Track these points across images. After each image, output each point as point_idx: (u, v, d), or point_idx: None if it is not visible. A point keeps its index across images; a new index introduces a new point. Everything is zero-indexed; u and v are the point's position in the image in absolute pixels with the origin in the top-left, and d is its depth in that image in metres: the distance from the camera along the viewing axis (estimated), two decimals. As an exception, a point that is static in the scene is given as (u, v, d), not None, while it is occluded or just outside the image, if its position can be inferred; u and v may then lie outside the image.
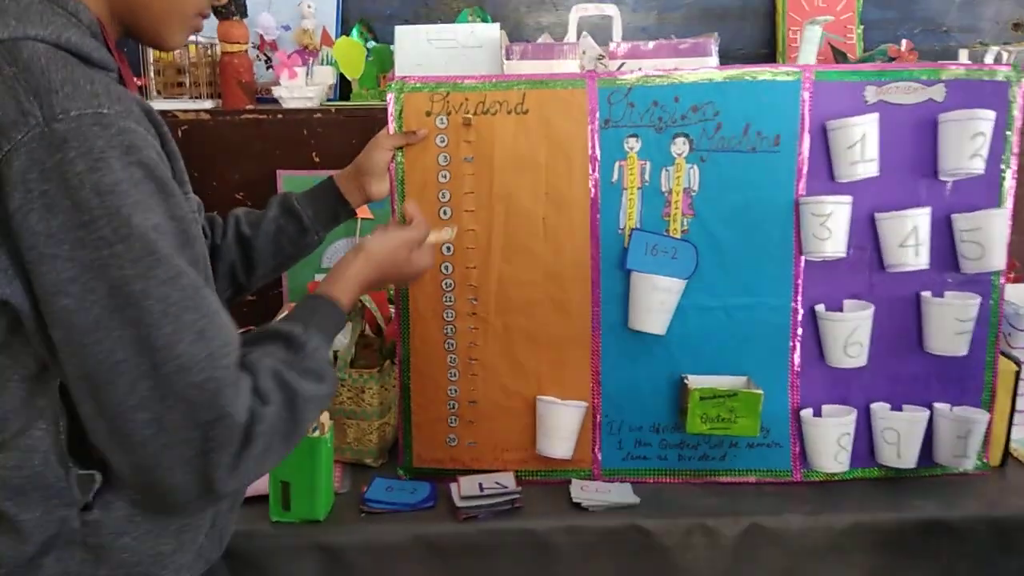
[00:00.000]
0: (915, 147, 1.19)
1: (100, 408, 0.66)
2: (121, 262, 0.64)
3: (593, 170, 1.23)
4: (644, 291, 1.20)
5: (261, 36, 1.85)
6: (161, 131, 0.76)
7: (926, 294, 1.20)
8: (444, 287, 1.27)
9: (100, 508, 0.75)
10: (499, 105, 1.23)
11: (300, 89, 1.75)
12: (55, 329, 0.66)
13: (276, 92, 1.75)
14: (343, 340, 1.38)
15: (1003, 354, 1.25)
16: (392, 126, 1.24)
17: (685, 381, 1.21)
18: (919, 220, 1.15)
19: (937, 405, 1.23)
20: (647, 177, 1.22)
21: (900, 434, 1.20)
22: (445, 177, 1.24)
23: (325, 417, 1.19)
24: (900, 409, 1.24)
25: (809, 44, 1.44)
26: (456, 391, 1.29)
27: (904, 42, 2.03)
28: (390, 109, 1.24)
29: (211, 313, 0.68)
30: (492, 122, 1.23)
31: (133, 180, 0.66)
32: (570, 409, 1.24)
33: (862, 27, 2.13)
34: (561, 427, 1.24)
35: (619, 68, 1.25)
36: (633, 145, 1.22)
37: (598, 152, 1.22)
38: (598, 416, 1.27)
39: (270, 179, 1.71)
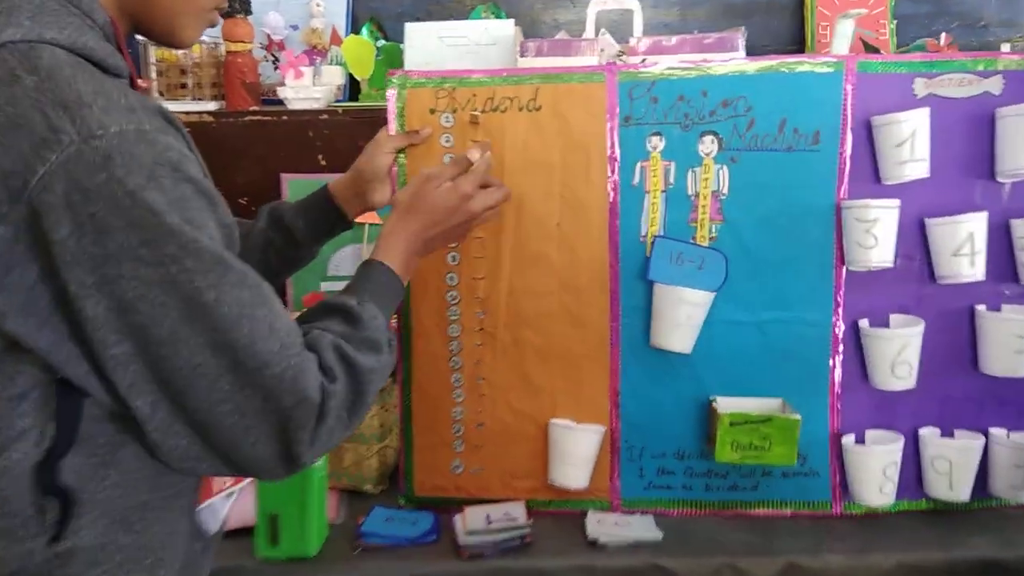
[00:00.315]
0: (969, 145, 1.08)
1: (177, 409, 0.66)
2: (191, 275, 0.63)
3: (612, 171, 1.12)
4: (668, 305, 1.09)
5: (269, 36, 1.79)
6: (188, 140, 0.73)
7: (981, 308, 1.08)
8: (449, 299, 1.16)
9: (71, 537, 0.67)
10: (509, 101, 1.12)
11: (306, 90, 1.69)
12: (118, 346, 0.64)
13: (281, 93, 1.68)
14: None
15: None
16: (393, 125, 1.14)
17: (713, 404, 1.10)
18: (975, 226, 1.04)
19: (993, 431, 1.11)
20: (672, 179, 1.12)
21: (952, 463, 1.08)
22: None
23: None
24: (951, 435, 1.12)
25: (841, 39, 1.37)
26: (461, 413, 1.18)
27: (943, 36, 1.91)
28: (390, 107, 1.14)
29: (274, 306, 0.69)
30: (502, 120, 1.13)
31: (185, 197, 0.65)
32: (586, 434, 1.13)
33: (895, 22, 2.03)
34: (576, 453, 1.13)
35: (642, 62, 1.14)
36: (656, 144, 1.11)
37: (618, 152, 1.12)
38: (617, 441, 1.16)
39: (274, 183, 1.64)
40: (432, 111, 1.14)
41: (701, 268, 1.11)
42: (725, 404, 1.11)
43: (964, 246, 1.03)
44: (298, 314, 0.81)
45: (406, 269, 0.92)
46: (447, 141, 1.14)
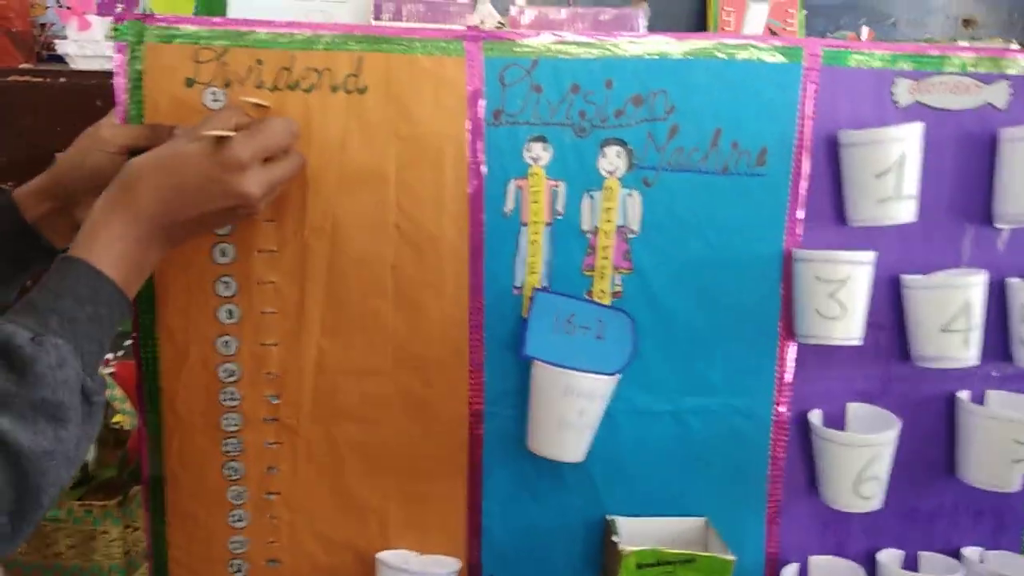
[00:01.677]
0: (960, 176, 0.79)
1: None
2: None
3: (475, 192, 0.75)
4: (551, 395, 0.74)
5: None
6: None
7: (964, 398, 0.81)
8: (222, 375, 0.76)
9: None
10: (317, 76, 0.73)
11: (95, 45, 1.35)
12: None
13: (61, 48, 1.33)
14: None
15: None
16: (123, 107, 0.72)
17: (613, 537, 0.77)
18: (973, 293, 0.75)
19: (966, 552, 0.84)
20: (561, 207, 0.76)
21: (923, 605, 0.81)
22: (224, 194, 0.74)
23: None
24: (915, 559, 0.85)
25: (752, 25, 1.20)
26: (245, 545, 0.79)
27: (865, 30, 1.70)
28: (118, 75, 0.72)
29: None
30: (306, 104, 0.73)
31: None
32: (430, 580, 0.77)
33: (804, 12, 1.81)
34: (415, 605, 0.77)
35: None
36: (540, 155, 0.76)
37: (483, 162, 0.75)
38: (476, 580, 0.81)
39: (47, 166, 1.30)
40: (190, 83, 0.72)
41: (600, 337, 0.77)
42: (629, 530, 0.78)
43: (958, 319, 0.75)
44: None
45: (129, 271, 0.60)
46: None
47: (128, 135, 0.70)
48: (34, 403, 0.52)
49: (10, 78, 1.37)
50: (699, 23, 1.82)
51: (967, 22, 2.16)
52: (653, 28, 1.70)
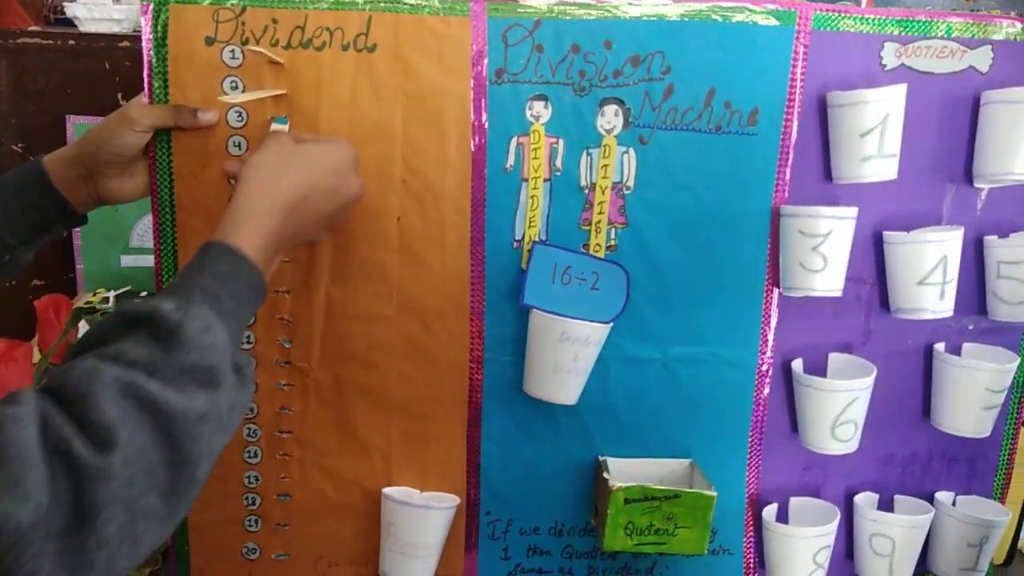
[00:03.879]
0: (942, 137, 0.82)
1: None
2: None
3: (477, 148, 0.79)
4: (548, 341, 0.78)
5: None
6: None
7: (940, 348, 0.85)
8: (239, 321, 0.81)
9: None
10: (329, 34, 0.76)
11: (104, 8, 1.44)
12: None
13: (71, 11, 1.42)
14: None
15: None
16: (149, 54, 0.76)
17: (604, 474, 0.82)
18: (949, 248, 0.79)
19: (939, 496, 0.89)
20: (559, 163, 0.80)
21: (895, 544, 0.86)
22: (240, 148, 0.78)
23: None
24: (891, 501, 0.90)
25: None
26: (258, 479, 0.84)
27: (865, -2, 1.71)
28: (145, 34, 0.75)
29: None
30: (317, 62, 0.76)
31: None
32: (433, 514, 0.82)
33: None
34: (419, 537, 0.82)
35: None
36: (540, 112, 0.79)
37: (485, 120, 0.79)
38: (476, 515, 0.86)
39: (58, 127, 1.35)
40: (210, 41, 0.76)
41: (595, 288, 0.81)
42: (618, 469, 0.83)
43: (934, 273, 0.79)
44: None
45: (268, 258, 0.62)
46: (233, 85, 0.76)
47: (154, 115, 0.74)
48: (183, 368, 0.50)
49: (20, 40, 1.40)
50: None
51: (970, -7, 2.16)
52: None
